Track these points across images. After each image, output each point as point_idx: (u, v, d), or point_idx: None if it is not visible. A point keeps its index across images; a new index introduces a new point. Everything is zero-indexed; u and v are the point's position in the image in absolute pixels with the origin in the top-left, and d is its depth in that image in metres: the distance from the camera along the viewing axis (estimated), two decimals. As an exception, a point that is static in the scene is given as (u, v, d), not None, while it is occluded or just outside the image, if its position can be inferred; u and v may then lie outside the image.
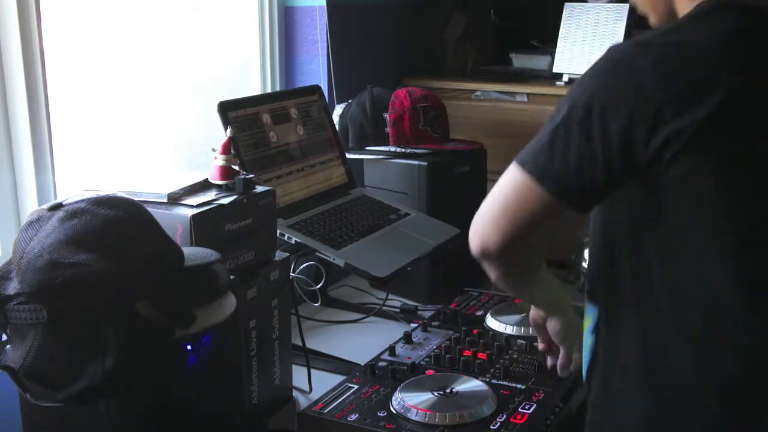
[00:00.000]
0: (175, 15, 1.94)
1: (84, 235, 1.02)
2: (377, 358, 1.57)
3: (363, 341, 1.79)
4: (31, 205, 1.52)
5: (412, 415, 1.34)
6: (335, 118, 2.13)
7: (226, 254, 1.32)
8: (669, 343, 1.08)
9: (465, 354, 1.58)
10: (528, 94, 2.37)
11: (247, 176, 1.42)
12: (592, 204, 1.12)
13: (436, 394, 1.39)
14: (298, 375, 1.60)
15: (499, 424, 1.33)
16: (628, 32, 2.26)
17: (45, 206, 1.09)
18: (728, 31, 1.05)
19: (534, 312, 1.39)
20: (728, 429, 1.06)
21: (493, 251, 1.15)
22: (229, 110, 1.75)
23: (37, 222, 1.06)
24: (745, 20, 1.06)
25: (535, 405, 1.39)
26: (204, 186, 1.41)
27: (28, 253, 1.01)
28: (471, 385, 1.43)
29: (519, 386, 1.45)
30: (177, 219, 1.29)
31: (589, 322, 1.21)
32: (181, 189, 1.37)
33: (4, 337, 1.05)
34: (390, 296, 1.99)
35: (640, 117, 1.01)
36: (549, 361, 1.43)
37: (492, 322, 1.72)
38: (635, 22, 2.25)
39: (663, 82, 1.01)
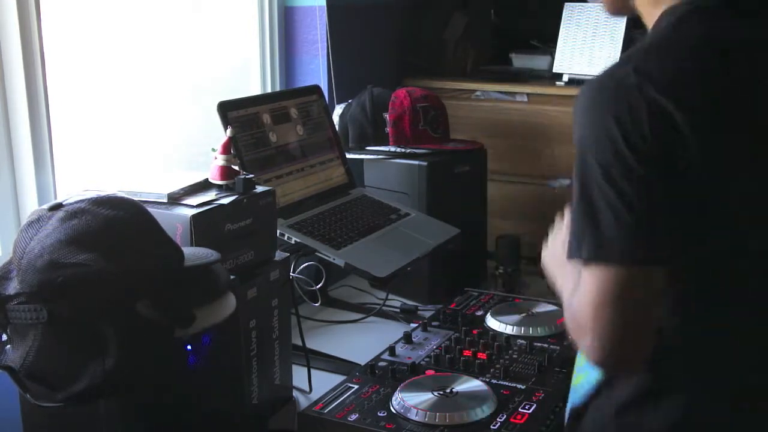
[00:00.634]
0: (175, 15, 1.94)
1: (84, 235, 1.02)
2: (377, 358, 1.57)
3: (363, 341, 1.80)
4: (31, 205, 1.51)
5: (412, 415, 1.34)
6: (335, 118, 2.13)
7: (226, 254, 1.32)
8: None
9: (465, 354, 1.58)
10: (528, 94, 2.37)
11: (247, 176, 1.42)
12: (669, 247, 0.97)
13: (436, 394, 1.39)
14: (298, 375, 1.60)
15: (499, 424, 1.33)
16: (628, 32, 2.26)
17: (45, 206, 1.09)
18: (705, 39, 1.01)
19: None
20: None
21: (633, 361, 1.00)
22: (229, 110, 1.75)
23: (37, 222, 1.06)
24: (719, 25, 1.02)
25: (535, 405, 1.39)
26: (204, 186, 1.41)
27: (28, 253, 1.01)
28: (471, 385, 1.43)
29: (519, 386, 1.45)
30: (177, 219, 1.29)
31: (583, 380, 1.14)
32: (181, 189, 1.37)
33: (4, 337, 1.05)
34: (390, 296, 1.99)
35: (652, 137, 0.94)
36: None
37: (492, 322, 1.72)
38: (635, 22, 2.25)
39: (664, 96, 0.95)
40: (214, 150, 1.43)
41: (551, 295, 1.72)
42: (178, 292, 1.07)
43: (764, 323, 1.04)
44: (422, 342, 1.66)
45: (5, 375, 1.03)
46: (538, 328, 1.68)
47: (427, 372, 1.51)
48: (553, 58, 2.41)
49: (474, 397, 1.38)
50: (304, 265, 1.88)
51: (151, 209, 1.15)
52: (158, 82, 1.90)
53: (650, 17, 1.09)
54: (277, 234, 1.57)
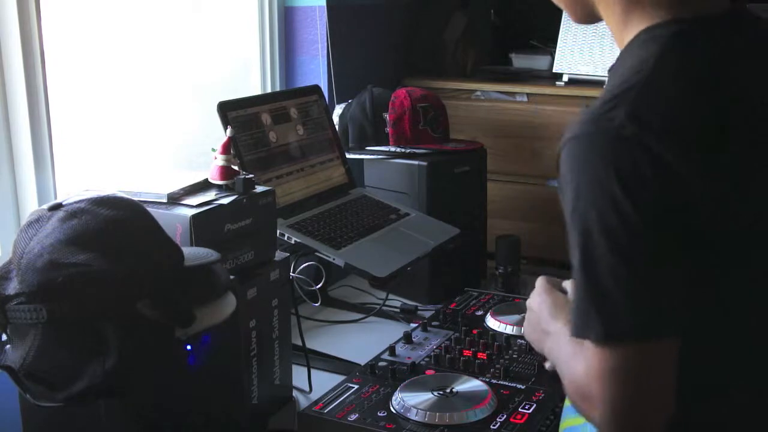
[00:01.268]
0: (175, 15, 1.94)
1: (84, 235, 1.02)
2: (377, 358, 1.57)
3: (363, 341, 1.80)
4: (31, 205, 1.52)
5: (412, 415, 1.34)
6: (335, 118, 2.13)
7: (226, 254, 1.33)
8: None
9: (465, 354, 1.58)
10: (528, 94, 2.37)
11: (247, 176, 1.42)
12: (681, 313, 0.90)
13: (436, 394, 1.39)
14: (298, 375, 1.60)
15: (499, 424, 1.33)
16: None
17: (45, 206, 1.09)
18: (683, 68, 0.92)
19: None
20: None
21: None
22: (228, 110, 1.75)
23: (37, 222, 1.06)
24: (718, 44, 0.95)
25: (535, 405, 1.39)
26: (204, 186, 1.41)
27: (28, 253, 1.01)
28: (471, 385, 1.43)
29: (519, 386, 1.45)
30: (177, 219, 1.29)
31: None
32: (181, 189, 1.37)
33: (4, 337, 1.05)
34: (390, 296, 1.99)
35: (641, 188, 0.86)
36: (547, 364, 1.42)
37: (492, 322, 1.72)
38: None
39: (647, 138, 0.87)
40: (214, 150, 1.43)
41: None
42: (178, 292, 1.07)
43: None
44: (422, 342, 1.66)
45: (5, 375, 1.03)
46: (538, 328, 1.68)
47: (427, 372, 1.51)
48: (553, 58, 2.42)
49: (474, 397, 1.38)
50: (304, 265, 1.88)
51: (151, 209, 1.15)
52: (158, 82, 1.90)
53: (620, 36, 1.01)
54: (277, 234, 1.57)
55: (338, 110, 2.19)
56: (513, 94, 2.40)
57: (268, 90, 2.23)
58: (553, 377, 1.46)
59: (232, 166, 1.43)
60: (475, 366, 1.52)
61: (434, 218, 1.98)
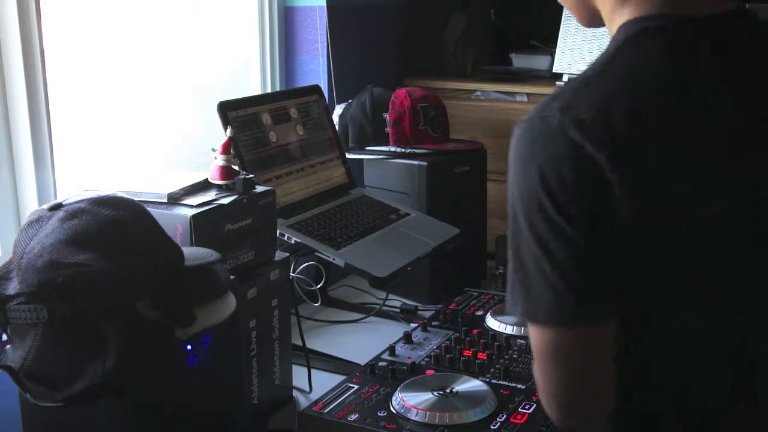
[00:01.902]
0: (175, 15, 1.94)
1: (84, 235, 1.02)
2: (377, 358, 1.57)
3: (363, 341, 1.80)
4: (31, 205, 1.52)
5: (412, 415, 1.34)
6: (335, 118, 2.13)
7: (226, 254, 1.33)
8: None
9: (465, 354, 1.58)
10: (528, 94, 2.37)
11: (247, 176, 1.42)
12: (609, 303, 0.93)
13: (436, 394, 1.39)
14: (298, 375, 1.60)
15: (499, 424, 1.33)
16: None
17: (45, 206, 1.09)
18: (654, 70, 0.91)
19: None
20: None
21: (596, 416, 0.97)
22: (229, 110, 1.75)
23: (37, 222, 1.06)
24: (675, 45, 0.93)
25: (535, 405, 1.39)
26: (204, 186, 1.41)
27: (28, 253, 1.01)
28: (471, 385, 1.43)
29: (519, 386, 1.45)
30: (177, 219, 1.29)
31: None
32: (181, 189, 1.37)
33: (4, 337, 1.05)
34: (390, 296, 1.99)
35: (572, 189, 0.88)
36: None
37: (492, 322, 1.72)
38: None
39: (581, 147, 0.87)
40: (214, 150, 1.43)
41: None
42: (179, 292, 1.07)
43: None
44: (422, 342, 1.66)
45: (5, 375, 1.03)
46: (538, 328, 1.68)
47: (427, 372, 1.51)
48: (553, 58, 2.42)
49: (474, 397, 1.38)
50: (304, 265, 1.88)
51: (151, 209, 1.15)
52: (158, 82, 1.90)
53: (610, 30, 1.01)
54: (277, 234, 1.57)
55: (338, 110, 2.19)
56: (513, 94, 2.40)
57: (268, 90, 2.23)
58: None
59: (232, 166, 1.43)
60: (475, 366, 1.52)
61: (434, 218, 1.98)
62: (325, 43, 2.20)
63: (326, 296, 2.00)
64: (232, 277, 1.23)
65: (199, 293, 1.11)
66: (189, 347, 1.12)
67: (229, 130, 1.52)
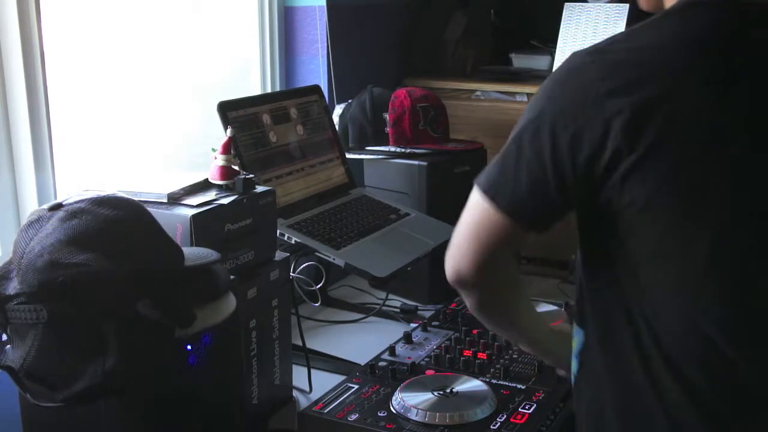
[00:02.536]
0: (175, 15, 1.94)
1: (84, 235, 1.02)
2: (377, 358, 1.57)
3: (363, 341, 1.80)
4: (31, 205, 1.52)
5: (412, 415, 1.34)
6: (335, 118, 2.13)
7: (226, 254, 1.32)
8: (646, 379, 1.02)
9: (465, 354, 1.58)
10: (528, 94, 2.37)
11: (247, 176, 1.42)
12: (549, 224, 1.06)
13: (436, 394, 1.39)
14: (298, 375, 1.60)
15: (499, 424, 1.33)
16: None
17: (45, 206, 1.09)
18: (695, 37, 0.98)
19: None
20: None
21: (466, 278, 1.11)
22: (229, 110, 1.75)
23: (37, 222, 1.06)
24: (721, 20, 0.99)
25: (535, 405, 1.39)
26: (204, 186, 1.41)
27: (29, 253, 1.01)
28: (471, 385, 1.43)
29: (519, 386, 1.45)
30: (177, 219, 1.29)
31: (575, 345, 1.16)
32: (181, 189, 1.37)
33: (4, 337, 1.05)
34: (390, 296, 1.99)
35: (587, 133, 0.97)
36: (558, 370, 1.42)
37: (492, 322, 1.72)
38: (635, 22, 2.25)
39: (611, 96, 0.96)
40: (214, 150, 1.43)
41: (551, 295, 1.73)
42: (179, 292, 1.07)
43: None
44: (422, 342, 1.66)
45: (5, 375, 1.03)
46: (538, 328, 1.68)
47: (427, 372, 1.51)
48: (553, 58, 2.42)
49: (474, 397, 1.38)
50: (304, 265, 1.88)
51: (151, 209, 1.15)
52: (158, 82, 1.90)
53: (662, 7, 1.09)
54: (277, 234, 1.57)
55: (338, 110, 2.19)
56: (513, 94, 2.40)
57: (268, 90, 2.23)
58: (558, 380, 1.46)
59: (233, 166, 1.43)
60: (475, 366, 1.52)
61: (434, 218, 1.98)
62: (325, 43, 2.20)
63: (326, 296, 2.00)
64: (232, 277, 1.23)
65: (199, 293, 1.11)
66: (189, 347, 1.11)
67: (229, 130, 1.52)
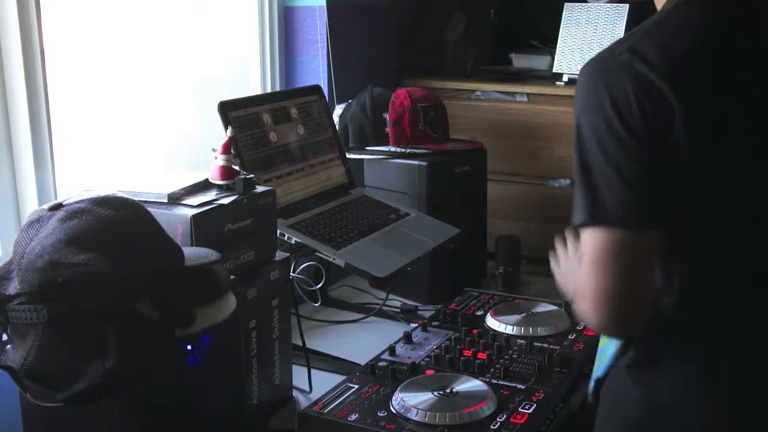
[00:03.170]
0: (175, 15, 1.94)
1: (84, 235, 1.02)
2: (377, 358, 1.57)
3: (363, 341, 1.80)
4: (31, 205, 1.51)
5: (412, 415, 1.34)
6: (335, 118, 2.13)
7: (226, 254, 1.32)
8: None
9: (465, 354, 1.58)
10: (528, 94, 2.37)
11: (247, 176, 1.42)
12: (654, 211, 1.05)
13: (436, 394, 1.39)
14: (298, 375, 1.60)
15: (499, 424, 1.33)
16: (628, 31, 2.26)
17: (45, 206, 1.09)
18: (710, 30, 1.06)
19: None
20: None
21: (635, 329, 1.09)
22: (229, 110, 1.75)
23: (37, 222, 1.06)
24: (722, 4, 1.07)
25: (535, 405, 1.39)
26: (204, 186, 1.41)
27: (29, 253, 1.01)
28: (471, 385, 1.43)
29: (519, 386, 1.45)
30: (177, 219, 1.29)
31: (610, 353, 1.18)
32: (181, 189, 1.37)
33: (5, 337, 1.05)
34: (390, 296, 1.99)
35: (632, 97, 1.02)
36: None
37: (492, 322, 1.72)
38: (635, 21, 2.25)
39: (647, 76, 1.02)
40: (214, 150, 1.43)
41: (551, 295, 1.73)
42: (179, 292, 1.07)
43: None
44: (422, 342, 1.66)
45: (5, 375, 1.03)
46: (538, 328, 1.68)
47: (427, 372, 1.51)
48: (553, 58, 2.42)
49: (474, 397, 1.38)
50: (304, 265, 1.88)
51: (151, 209, 1.15)
52: (159, 81, 1.90)
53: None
54: (277, 234, 1.57)
55: (338, 110, 2.19)
56: (513, 94, 2.40)
57: (268, 90, 2.23)
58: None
59: (233, 166, 1.43)
60: (475, 366, 1.52)
61: (434, 218, 1.98)
62: (325, 43, 2.20)
63: (326, 296, 2.00)
64: (232, 277, 1.23)
65: (199, 293, 1.11)
66: (189, 347, 1.11)
67: (229, 130, 1.52)
